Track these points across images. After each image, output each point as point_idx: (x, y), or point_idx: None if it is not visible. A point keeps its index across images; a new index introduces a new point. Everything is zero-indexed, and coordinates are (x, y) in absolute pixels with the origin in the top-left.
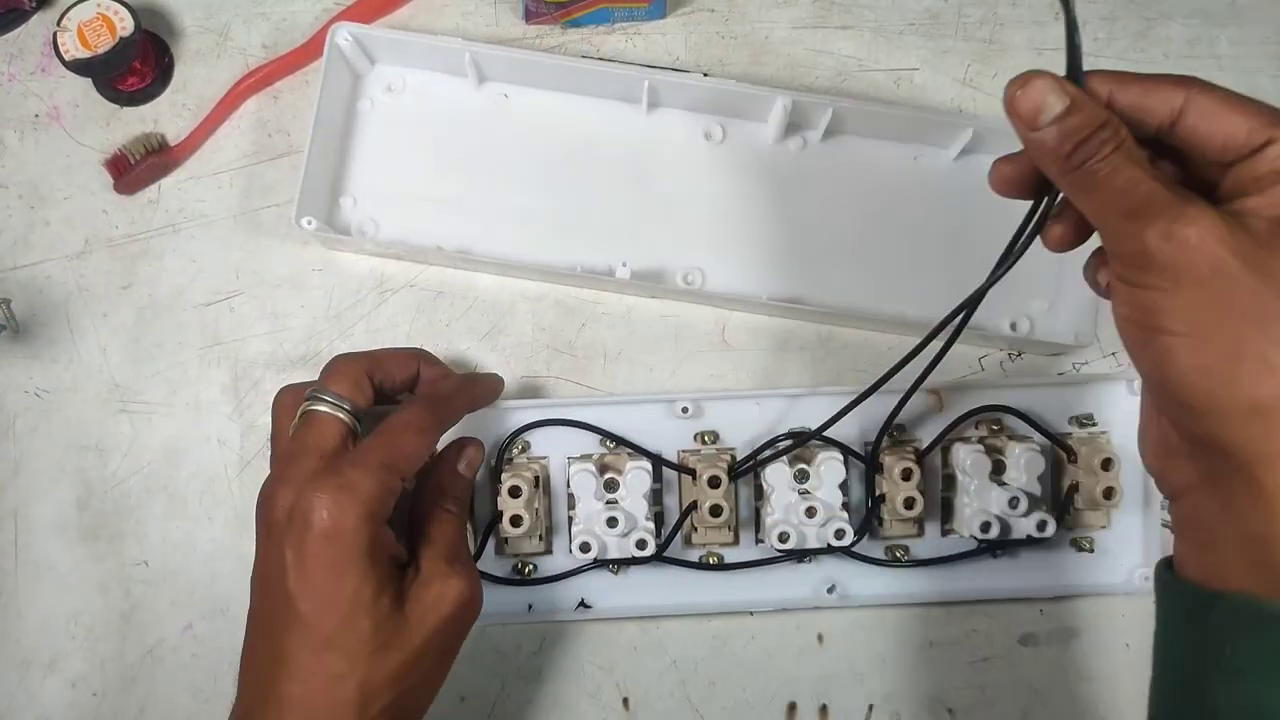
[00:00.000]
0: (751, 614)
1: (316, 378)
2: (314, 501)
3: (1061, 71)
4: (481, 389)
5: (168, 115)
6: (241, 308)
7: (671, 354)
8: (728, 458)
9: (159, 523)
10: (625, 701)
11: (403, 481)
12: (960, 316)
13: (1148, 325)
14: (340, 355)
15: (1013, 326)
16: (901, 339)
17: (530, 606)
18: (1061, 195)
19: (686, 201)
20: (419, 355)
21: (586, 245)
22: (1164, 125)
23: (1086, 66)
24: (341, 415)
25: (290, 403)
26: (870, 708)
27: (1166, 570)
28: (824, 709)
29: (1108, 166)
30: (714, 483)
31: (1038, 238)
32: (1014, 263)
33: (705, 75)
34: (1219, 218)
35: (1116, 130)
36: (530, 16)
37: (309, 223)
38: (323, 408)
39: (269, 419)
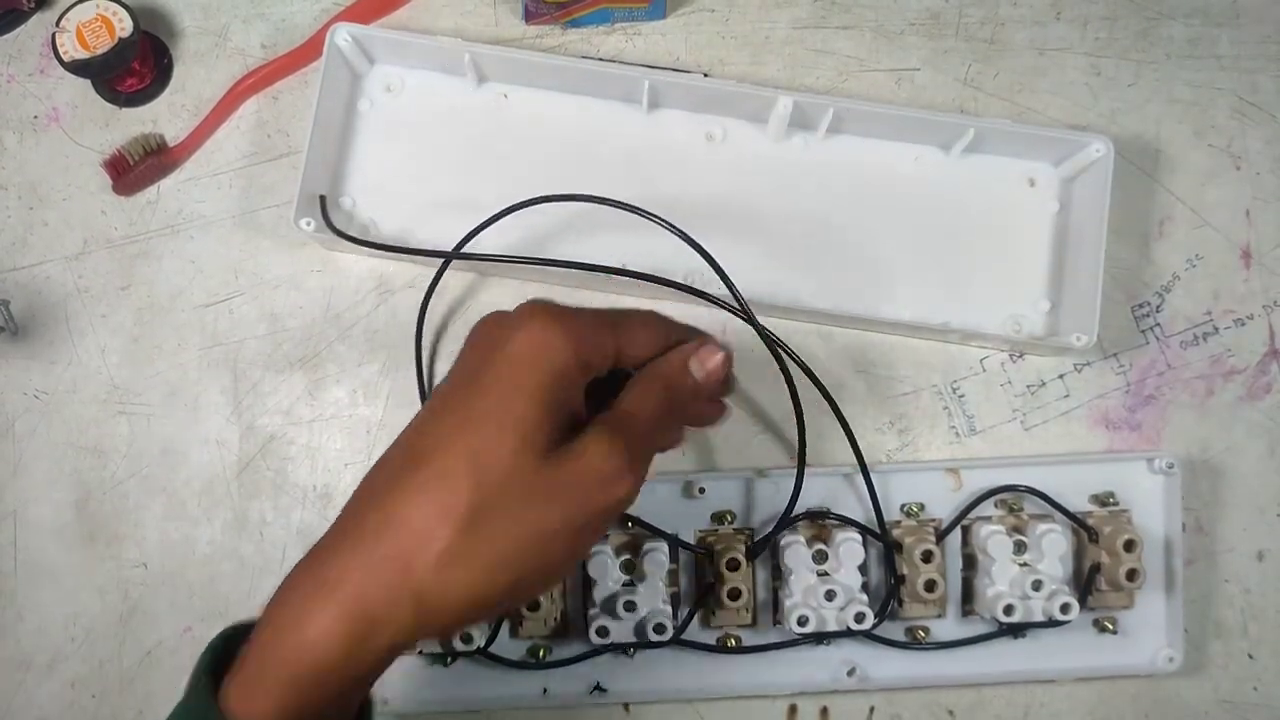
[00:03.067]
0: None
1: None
2: (525, 326)
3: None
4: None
5: (166, 116)
6: (240, 309)
7: None
8: (745, 538)
9: (158, 524)
10: None
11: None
12: None
13: None
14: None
15: (1015, 327)
16: (901, 339)
17: (545, 690)
18: None
19: (686, 201)
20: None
21: (586, 245)
22: None
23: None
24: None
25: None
26: (871, 710)
27: None
28: (824, 711)
29: None
30: (733, 565)
31: None
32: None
33: (705, 75)
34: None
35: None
36: (530, 16)
37: (308, 223)
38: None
39: (267, 420)
